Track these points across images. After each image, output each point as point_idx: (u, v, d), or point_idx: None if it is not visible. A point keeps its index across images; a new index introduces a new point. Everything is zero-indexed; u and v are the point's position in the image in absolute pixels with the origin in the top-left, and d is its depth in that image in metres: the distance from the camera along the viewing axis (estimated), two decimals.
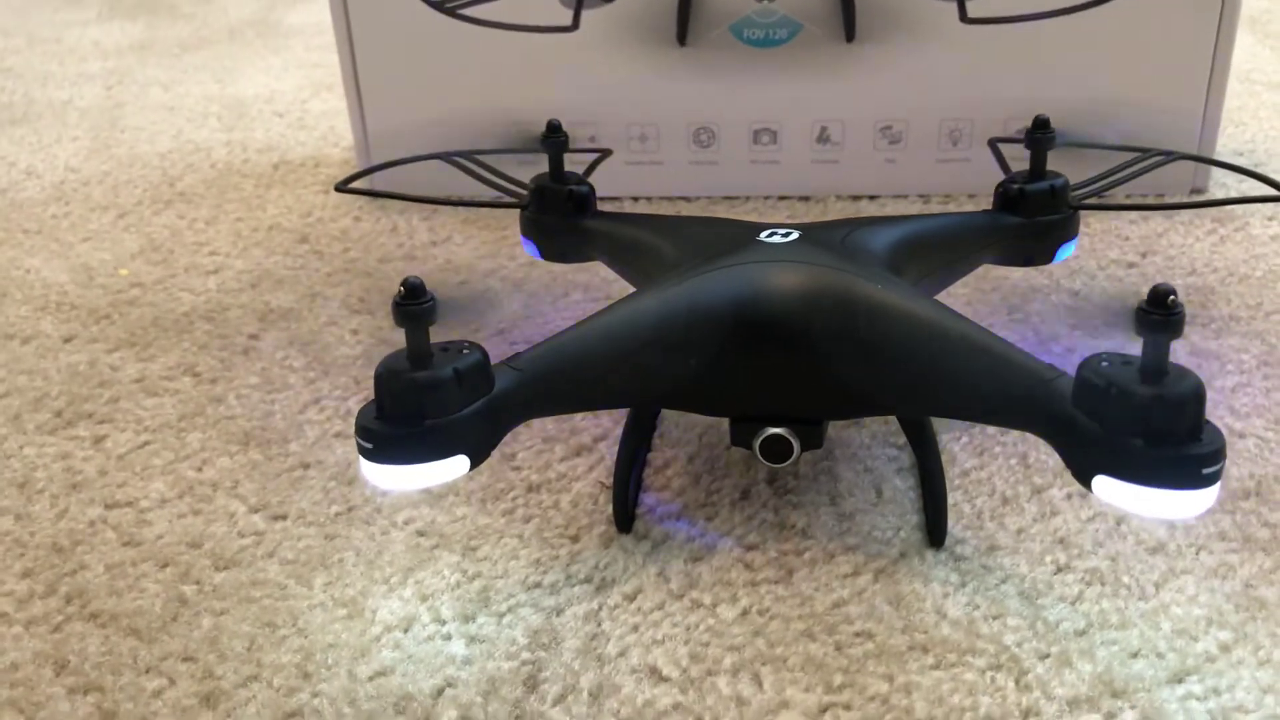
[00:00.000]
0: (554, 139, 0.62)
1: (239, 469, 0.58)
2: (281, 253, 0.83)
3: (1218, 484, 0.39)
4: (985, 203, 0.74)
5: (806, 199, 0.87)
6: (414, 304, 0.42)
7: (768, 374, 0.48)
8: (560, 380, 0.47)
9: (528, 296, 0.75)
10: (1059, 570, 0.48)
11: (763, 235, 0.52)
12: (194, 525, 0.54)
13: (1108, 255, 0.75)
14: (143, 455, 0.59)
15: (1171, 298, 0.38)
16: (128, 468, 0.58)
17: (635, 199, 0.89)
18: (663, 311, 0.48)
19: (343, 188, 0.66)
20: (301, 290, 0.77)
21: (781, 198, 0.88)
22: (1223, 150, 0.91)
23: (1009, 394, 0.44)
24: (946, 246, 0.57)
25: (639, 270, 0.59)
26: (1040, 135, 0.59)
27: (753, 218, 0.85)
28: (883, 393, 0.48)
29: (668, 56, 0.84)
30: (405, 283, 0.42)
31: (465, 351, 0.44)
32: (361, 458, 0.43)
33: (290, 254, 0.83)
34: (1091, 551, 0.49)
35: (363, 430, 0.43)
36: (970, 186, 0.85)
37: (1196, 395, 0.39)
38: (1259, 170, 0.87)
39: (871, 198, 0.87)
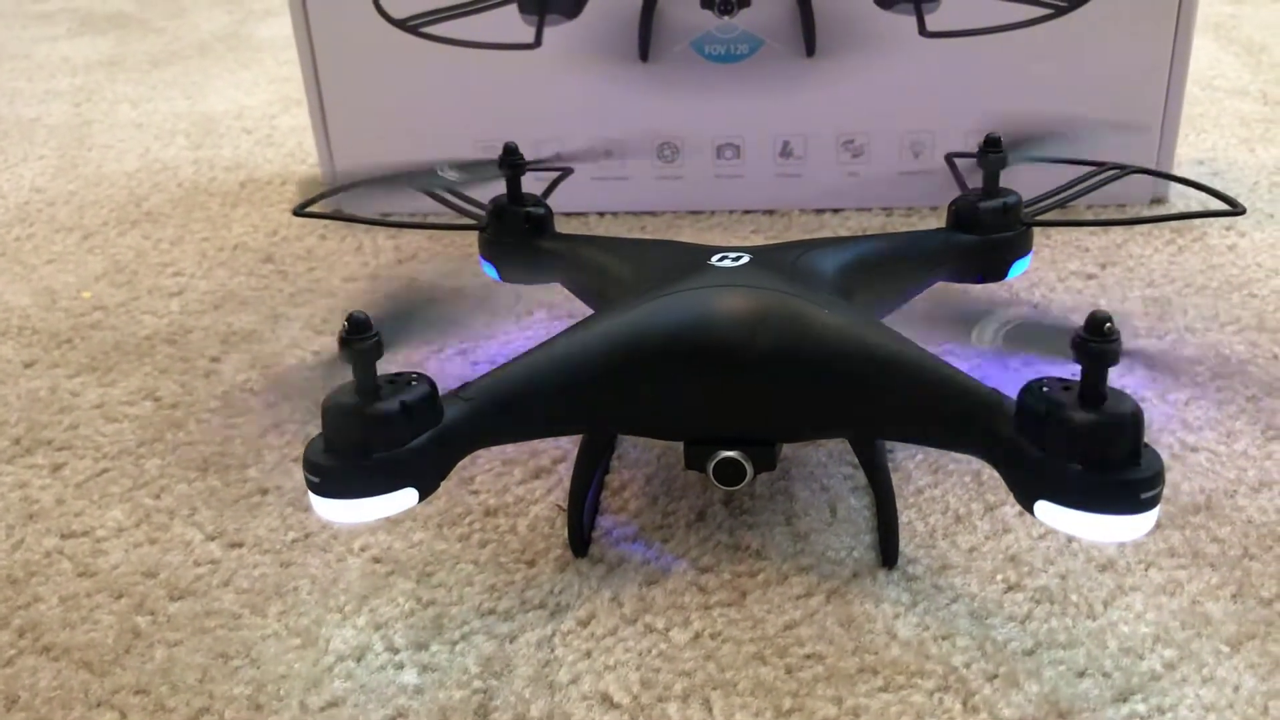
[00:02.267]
0: (511, 161, 0.62)
1: (197, 495, 0.58)
2: (245, 273, 0.83)
3: (1157, 508, 0.40)
4: (943, 211, 0.74)
5: (771, 213, 0.88)
6: (359, 339, 0.42)
7: (717, 398, 0.48)
8: (510, 409, 0.47)
9: (491, 315, 0.75)
10: (1009, 589, 0.48)
11: (714, 259, 0.52)
12: (150, 554, 0.54)
13: (1067, 267, 0.76)
14: (101, 483, 0.59)
15: (1108, 324, 0.39)
16: (85, 496, 0.58)
17: (601, 214, 0.89)
18: (612, 338, 0.48)
19: (300, 211, 0.66)
20: (265, 311, 0.77)
21: (746, 212, 0.88)
22: (1183, 158, 0.91)
23: (952, 418, 0.44)
24: (899, 266, 0.58)
25: (595, 292, 0.59)
26: (991, 153, 0.59)
27: (717, 232, 0.86)
28: (829, 416, 0.48)
29: (630, 73, 0.85)
30: (350, 318, 0.42)
31: (413, 383, 0.44)
32: (310, 491, 0.43)
33: (254, 274, 0.83)
34: (1042, 569, 0.49)
35: (310, 464, 0.43)
36: (933, 199, 0.86)
37: (1134, 420, 0.39)
38: (1217, 179, 0.88)
39: (835, 211, 0.87)
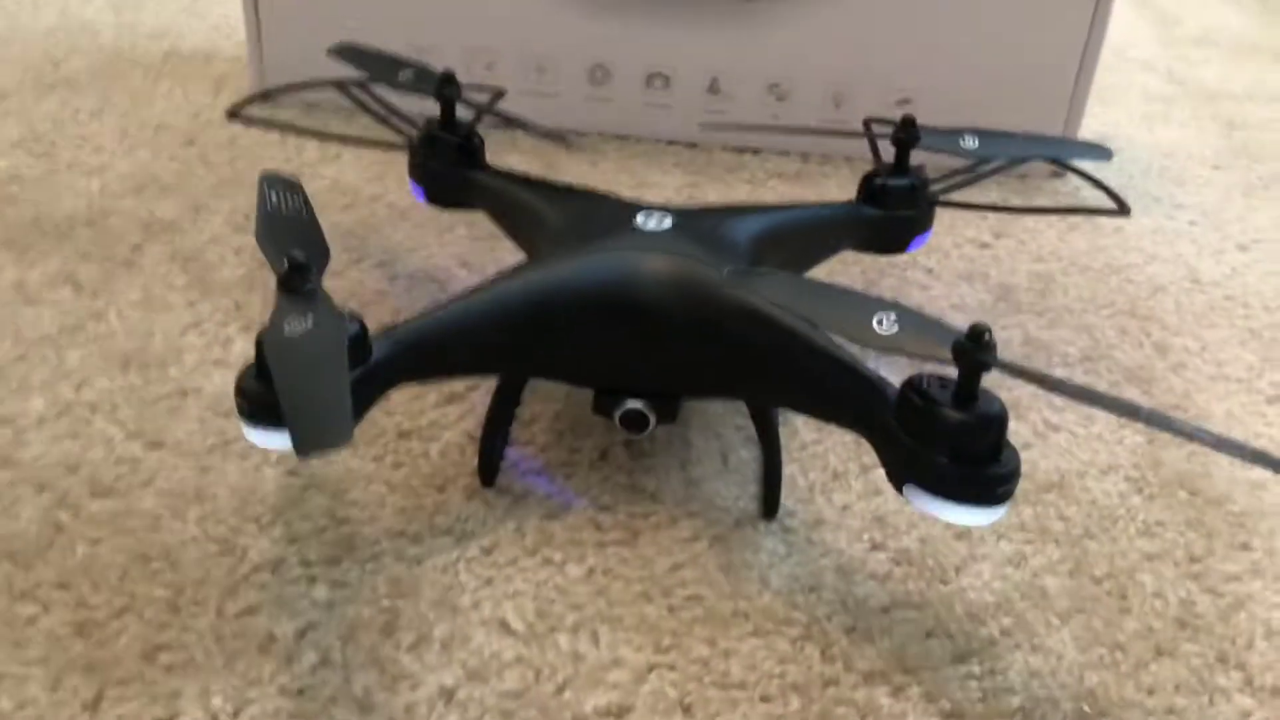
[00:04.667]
0: (447, 89, 0.64)
1: (118, 391, 0.60)
2: (167, 156, 0.83)
3: (1009, 501, 0.45)
4: (861, 165, 0.77)
5: (694, 146, 0.90)
6: (298, 278, 0.44)
7: (629, 353, 0.52)
8: (435, 350, 0.50)
9: (413, 227, 0.77)
10: (873, 548, 0.53)
11: (639, 218, 0.55)
12: (71, 449, 0.56)
13: (964, 234, 0.80)
14: (21, 369, 0.61)
15: (986, 336, 0.43)
16: (5, 383, 0.60)
17: (526, 129, 0.91)
18: (539, 291, 0.51)
19: (235, 113, 0.67)
20: (186, 201, 0.77)
21: (670, 142, 0.90)
22: (1086, 129, 0.96)
23: (841, 398, 0.49)
24: (809, 236, 0.61)
25: (520, 233, 0.61)
26: (905, 135, 0.62)
27: (640, 161, 0.88)
28: (728, 381, 0.52)
29: None
30: (290, 259, 0.44)
31: (347, 319, 0.46)
32: (240, 417, 0.46)
33: (176, 159, 0.83)
34: (905, 532, 0.54)
35: (242, 392, 0.45)
36: (848, 149, 0.89)
37: (999, 421, 0.44)
38: (1114, 157, 0.93)
39: (755, 152, 0.90)
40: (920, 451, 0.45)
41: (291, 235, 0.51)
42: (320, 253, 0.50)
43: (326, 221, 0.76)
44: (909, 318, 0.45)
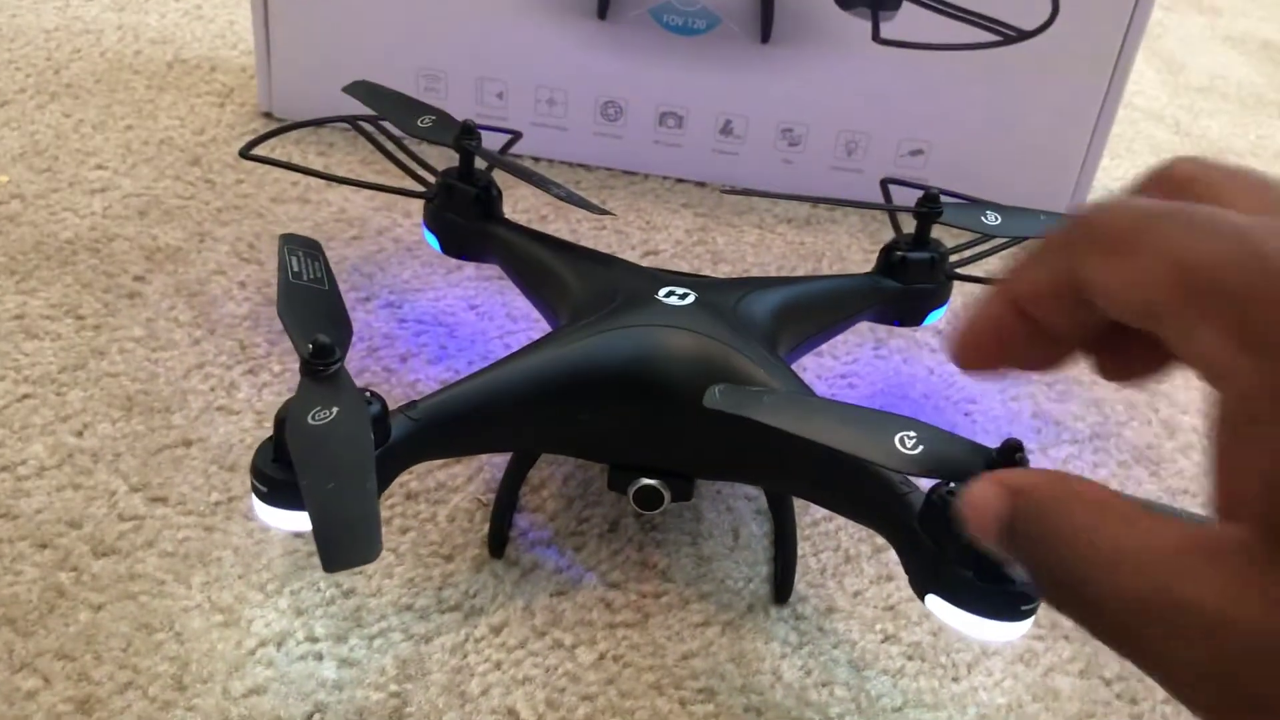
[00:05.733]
0: (466, 140, 0.63)
1: (120, 439, 0.59)
2: (172, 176, 0.82)
3: (1033, 617, 0.44)
4: (869, 213, 0.80)
5: (703, 185, 0.90)
6: (322, 364, 0.44)
7: (650, 432, 0.51)
8: (453, 430, 0.49)
9: (421, 265, 0.76)
10: (886, 639, 0.53)
11: (661, 294, 0.55)
12: (74, 501, 0.55)
13: (972, 292, 0.80)
14: (22, 411, 0.59)
15: (1019, 454, 0.42)
16: (6, 424, 0.58)
17: (535, 159, 0.90)
18: (560, 368, 0.51)
19: (247, 154, 0.66)
20: (190, 227, 0.76)
21: (679, 180, 0.90)
22: (1097, 185, 0.96)
23: (864, 497, 0.48)
24: (828, 309, 0.61)
25: (537, 293, 0.61)
26: (927, 209, 0.62)
27: (649, 199, 0.87)
28: (750, 468, 0.51)
29: (585, 28, 0.85)
30: (314, 342, 0.43)
31: (367, 403, 0.45)
32: (254, 497, 0.45)
33: (181, 179, 0.81)
34: (917, 623, 0.54)
35: (258, 473, 0.44)
36: (857, 196, 0.88)
37: None
38: None
39: (763, 194, 0.89)
40: (946, 563, 0.44)
41: (313, 309, 0.50)
42: (343, 329, 0.49)
43: (334, 255, 0.75)
44: (929, 435, 0.44)
